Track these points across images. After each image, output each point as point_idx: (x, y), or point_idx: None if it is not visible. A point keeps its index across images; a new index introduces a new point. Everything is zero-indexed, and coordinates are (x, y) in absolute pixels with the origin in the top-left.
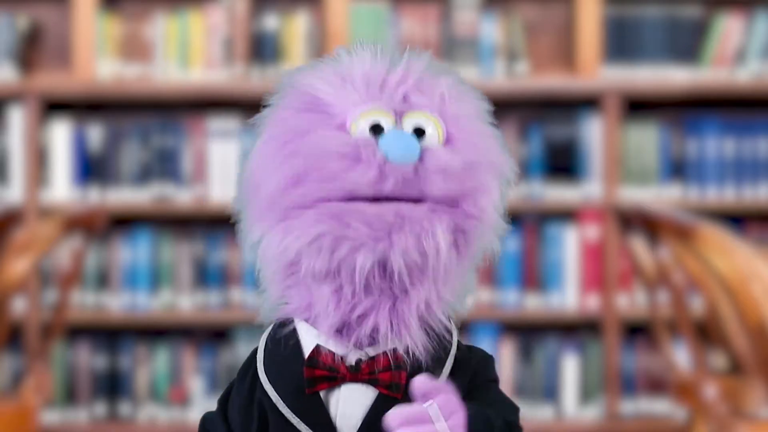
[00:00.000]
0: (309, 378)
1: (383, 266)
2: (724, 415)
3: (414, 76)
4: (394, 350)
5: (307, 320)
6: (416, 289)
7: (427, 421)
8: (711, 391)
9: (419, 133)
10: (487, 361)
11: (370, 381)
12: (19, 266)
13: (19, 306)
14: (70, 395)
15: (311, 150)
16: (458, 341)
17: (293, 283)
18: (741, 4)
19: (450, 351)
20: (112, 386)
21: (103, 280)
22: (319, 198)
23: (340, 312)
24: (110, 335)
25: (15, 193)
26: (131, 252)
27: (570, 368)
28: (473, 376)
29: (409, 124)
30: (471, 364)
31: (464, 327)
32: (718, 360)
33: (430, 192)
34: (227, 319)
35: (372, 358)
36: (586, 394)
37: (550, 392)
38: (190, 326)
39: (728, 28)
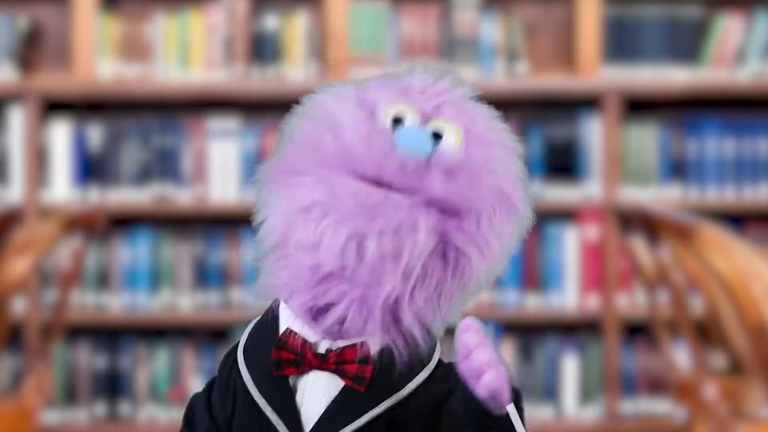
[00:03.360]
0: (276, 360)
1: (359, 246)
2: (724, 415)
3: (457, 93)
4: (363, 344)
5: (286, 301)
6: (387, 281)
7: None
8: (711, 391)
9: (438, 137)
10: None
11: (336, 371)
12: (19, 266)
13: (19, 306)
14: (70, 395)
15: (330, 120)
16: (440, 359)
17: (282, 259)
18: (741, 4)
19: (427, 364)
20: (112, 386)
21: (103, 280)
22: (321, 167)
23: (312, 292)
24: (110, 335)
25: (15, 193)
26: (131, 252)
27: (570, 368)
28: (448, 394)
29: (432, 126)
30: (449, 382)
31: None
32: (718, 360)
33: (429, 188)
34: (227, 319)
35: (342, 349)
36: (586, 394)
37: (550, 392)
38: (190, 326)
39: (728, 28)
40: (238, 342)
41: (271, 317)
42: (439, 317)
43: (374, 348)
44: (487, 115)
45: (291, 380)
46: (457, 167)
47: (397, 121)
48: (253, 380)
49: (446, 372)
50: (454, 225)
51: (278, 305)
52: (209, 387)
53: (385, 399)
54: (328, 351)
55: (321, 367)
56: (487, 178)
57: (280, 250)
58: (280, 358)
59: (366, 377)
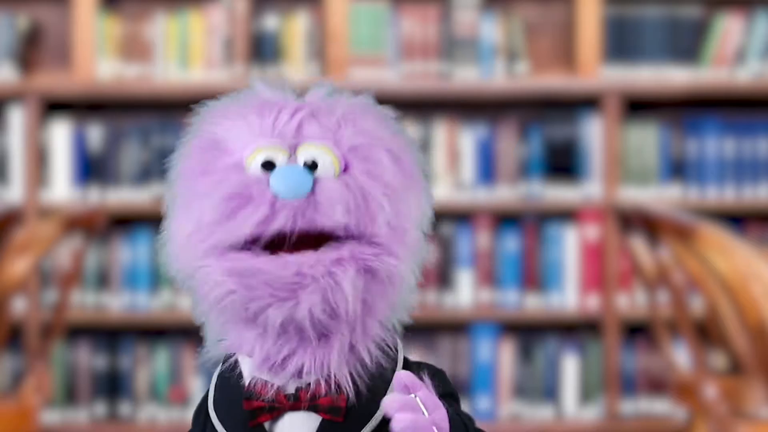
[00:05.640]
0: (249, 410)
1: (296, 321)
2: (724, 415)
3: (310, 105)
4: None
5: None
6: (335, 335)
7: (418, 410)
8: (711, 391)
9: (314, 165)
10: (439, 376)
11: (311, 408)
12: (19, 266)
13: (19, 306)
14: (70, 395)
15: (205, 193)
16: (405, 358)
17: (224, 321)
18: (741, 4)
19: (395, 369)
20: (112, 386)
21: (103, 280)
22: (217, 243)
23: (265, 353)
24: (110, 335)
25: (15, 193)
26: (131, 252)
27: (570, 368)
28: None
29: (303, 156)
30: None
31: (464, 327)
32: (718, 360)
33: (323, 224)
34: None
35: (310, 385)
36: (586, 394)
37: (550, 392)
38: (190, 326)
39: (728, 28)
40: (207, 395)
41: (230, 369)
42: (395, 323)
43: (342, 376)
44: (349, 108)
45: (267, 426)
46: (341, 193)
47: (268, 164)
48: None
49: (415, 371)
50: (365, 248)
51: (234, 355)
52: None
53: (366, 424)
54: (299, 390)
55: (295, 408)
56: (374, 183)
57: (219, 308)
58: (252, 408)
59: (342, 407)
